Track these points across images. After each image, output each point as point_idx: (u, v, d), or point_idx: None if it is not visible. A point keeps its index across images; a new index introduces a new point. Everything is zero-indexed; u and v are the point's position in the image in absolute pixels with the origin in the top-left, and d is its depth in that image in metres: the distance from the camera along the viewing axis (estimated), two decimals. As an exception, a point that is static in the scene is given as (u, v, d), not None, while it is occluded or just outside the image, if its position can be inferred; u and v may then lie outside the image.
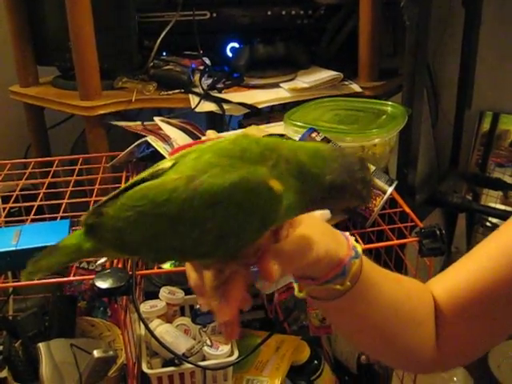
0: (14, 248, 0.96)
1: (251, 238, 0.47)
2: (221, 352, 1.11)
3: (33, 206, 1.18)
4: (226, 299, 0.49)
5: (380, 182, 1.01)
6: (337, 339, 1.40)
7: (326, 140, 1.04)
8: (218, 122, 1.64)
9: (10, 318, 1.54)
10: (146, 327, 1.00)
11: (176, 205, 0.44)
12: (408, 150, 1.42)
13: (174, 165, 0.48)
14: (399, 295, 0.68)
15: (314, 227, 0.57)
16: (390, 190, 1.01)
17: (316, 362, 1.30)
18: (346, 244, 0.60)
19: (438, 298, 0.71)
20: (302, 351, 1.28)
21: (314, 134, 1.04)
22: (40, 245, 0.97)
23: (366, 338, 0.72)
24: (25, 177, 1.30)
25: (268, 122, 1.36)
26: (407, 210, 1.11)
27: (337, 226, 1.02)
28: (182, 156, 0.49)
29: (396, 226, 1.09)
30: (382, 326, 0.68)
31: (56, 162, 1.37)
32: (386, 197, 1.00)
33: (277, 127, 1.26)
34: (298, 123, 1.17)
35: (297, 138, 1.05)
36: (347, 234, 0.62)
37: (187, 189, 0.44)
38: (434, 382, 1.38)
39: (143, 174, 0.49)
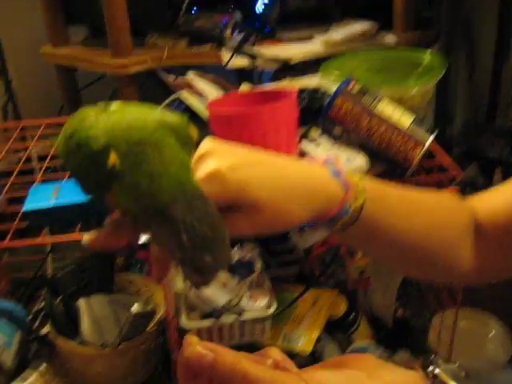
0: (53, 204, 0.97)
1: (93, 194, 0.51)
2: (259, 305, 1.11)
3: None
4: (100, 231, 0.52)
5: (420, 132, 0.99)
6: (373, 294, 1.39)
7: (363, 91, 1.02)
8: (247, 77, 1.62)
9: (50, 276, 1.57)
10: (186, 279, 1.01)
11: (69, 132, 0.50)
12: (445, 103, 1.39)
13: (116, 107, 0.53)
14: (421, 230, 0.65)
15: (289, 192, 0.54)
16: (430, 139, 0.99)
17: (352, 316, 1.30)
18: (339, 198, 0.56)
19: (484, 213, 0.69)
20: (338, 305, 1.28)
21: (351, 85, 1.02)
22: (79, 200, 0.98)
23: (390, 262, 0.71)
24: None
25: (303, 76, 1.34)
26: (446, 161, 1.09)
27: (377, 177, 1.00)
28: (126, 105, 0.53)
29: (434, 177, 1.07)
30: (401, 255, 0.67)
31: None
32: (426, 146, 0.98)
33: (311, 79, 1.24)
34: (335, 74, 1.14)
35: (333, 89, 1.03)
36: (354, 180, 0.58)
37: (80, 125, 0.50)
38: (469, 335, 1.37)
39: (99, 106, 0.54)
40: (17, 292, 1.56)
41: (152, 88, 1.54)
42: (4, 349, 1.21)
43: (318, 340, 1.17)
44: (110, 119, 0.49)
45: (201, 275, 0.48)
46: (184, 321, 1.11)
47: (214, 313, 1.11)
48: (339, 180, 0.56)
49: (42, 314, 1.44)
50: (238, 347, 1.14)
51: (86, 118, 0.50)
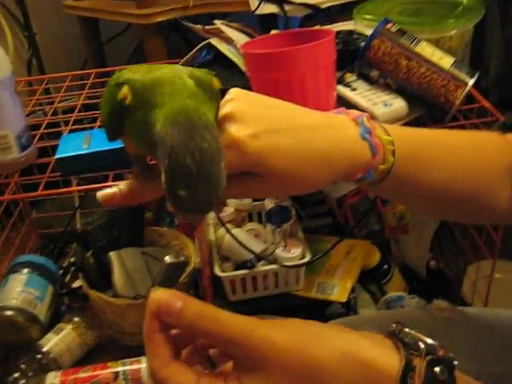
0: (86, 151, 0.96)
1: (111, 134, 0.53)
2: (293, 255, 1.10)
3: (97, 115, 1.17)
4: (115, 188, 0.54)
5: (461, 74, 0.95)
6: (406, 245, 1.38)
7: (401, 32, 0.98)
8: (273, 26, 1.57)
9: (79, 231, 1.57)
10: (224, 226, 1.00)
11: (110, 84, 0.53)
12: (481, 48, 1.34)
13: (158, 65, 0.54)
14: (463, 176, 0.63)
15: (313, 161, 0.52)
16: (471, 81, 0.95)
17: (386, 266, 1.29)
18: (365, 162, 0.54)
19: None
20: (372, 256, 1.27)
21: (388, 26, 0.98)
22: (110, 147, 0.96)
23: (426, 210, 0.71)
24: (87, 86, 1.29)
25: (332, 22, 1.30)
26: (486, 104, 1.06)
27: (416, 121, 0.97)
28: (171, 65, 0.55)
29: (474, 121, 1.04)
30: (439, 203, 0.65)
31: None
32: (467, 88, 0.94)
33: (343, 26, 1.20)
34: (367, 18, 1.10)
35: (370, 31, 1.00)
36: (385, 140, 0.55)
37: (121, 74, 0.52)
38: (504, 286, 1.36)
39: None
40: (46, 247, 1.57)
41: (176, 40, 1.51)
42: (37, 302, 1.22)
43: (352, 290, 1.16)
44: (142, 69, 0.51)
45: (177, 210, 0.47)
46: (218, 270, 1.10)
47: (248, 263, 1.10)
48: (368, 142, 0.54)
49: (73, 268, 1.45)
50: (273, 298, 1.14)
51: (129, 69, 0.52)
